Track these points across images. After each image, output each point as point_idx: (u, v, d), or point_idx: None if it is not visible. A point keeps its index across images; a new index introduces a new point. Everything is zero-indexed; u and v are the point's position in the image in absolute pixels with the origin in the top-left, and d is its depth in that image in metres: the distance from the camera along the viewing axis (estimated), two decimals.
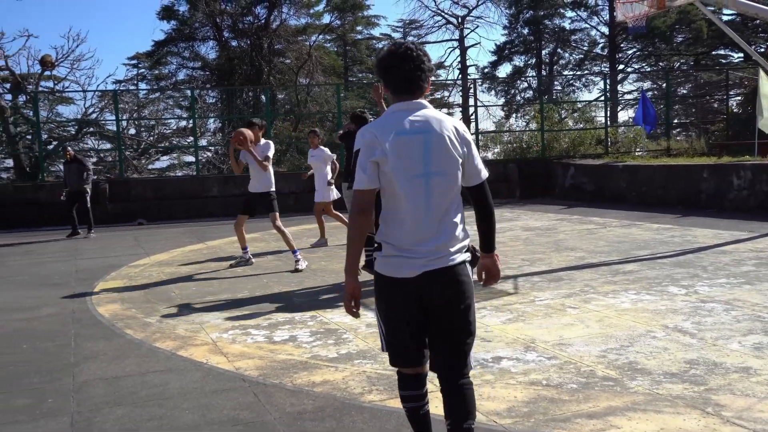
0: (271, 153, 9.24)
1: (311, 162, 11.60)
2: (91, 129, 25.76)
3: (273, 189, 9.31)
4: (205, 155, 24.57)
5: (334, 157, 11.62)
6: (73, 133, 25.50)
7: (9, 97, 23.96)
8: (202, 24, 32.07)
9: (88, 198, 14.30)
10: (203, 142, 25.61)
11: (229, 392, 4.53)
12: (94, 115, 25.45)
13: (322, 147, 11.53)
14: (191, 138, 21.50)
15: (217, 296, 7.68)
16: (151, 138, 26.64)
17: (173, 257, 10.84)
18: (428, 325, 3.04)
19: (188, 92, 28.56)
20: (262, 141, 9.29)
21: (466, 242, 3.06)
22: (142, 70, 35.32)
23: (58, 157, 23.59)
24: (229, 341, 5.77)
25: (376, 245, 3.07)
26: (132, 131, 25.96)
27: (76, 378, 4.99)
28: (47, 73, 26.29)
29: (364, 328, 5.93)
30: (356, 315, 3.08)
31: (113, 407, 4.35)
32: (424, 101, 3.05)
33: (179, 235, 13.83)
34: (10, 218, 16.13)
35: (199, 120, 24.37)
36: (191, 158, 23.30)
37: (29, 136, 23.18)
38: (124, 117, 24.11)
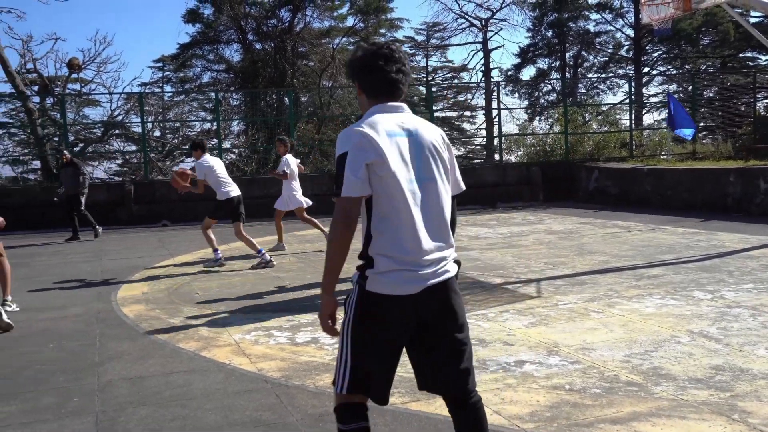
0: (210, 172, 9.65)
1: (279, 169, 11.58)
2: (117, 131, 26.05)
3: (219, 199, 9.74)
4: (229, 157, 24.74)
5: (285, 167, 11.24)
6: (99, 135, 25.80)
7: (37, 99, 24.29)
8: (227, 27, 32.30)
9: (83, 200, 14.40)
10: (227, 144, 25.81)
11: (251, 393, 4.55)
12: (119, 117, 25.74)
13: (288, 155, 11.42)
14: (215, 140, 21.64)
15: (240, 297, 7.72)
16: (176, 140, 26.88)
17: (197, 258, 10.91)
18: (423, 345, 2.79)
19: (212, 95, 28.74)
20: (202, 157, 9.74)
21: (455, 253, 2.88)
22: (168, 73, 35.69)
23: (84, 158, 23.86)
24: (251, 342, 5.79)
25: (363, 261, 2.75)
26: (157, 133, 26.25)
27: (100, 378, 5.04)
28: (74, 75, 26.66)
29: None
30: (336, 333, 2.79)
31: (137, 407, 4.39)
32: (405, 105, 2.83)
33: (203, 237, 13.89)
34: (37, 219, 16.35)
35: (223, 122, 24.54)
36: None
37: (56, 138, 23.46)
38: (150, 119, 24.36)
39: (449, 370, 2.81)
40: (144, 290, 8.42)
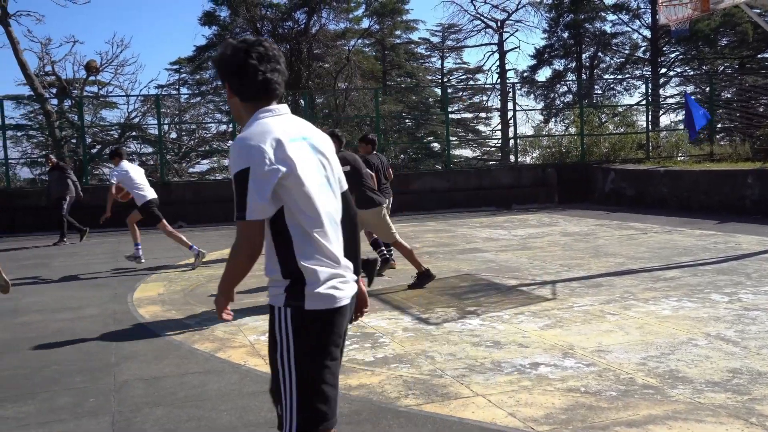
0: (126, 177, 10.27)
1: None
2: (134, 133, 26.24)
3: (137, 204, 10.35)
4: None
5: None
6: (116, 136, 25.99)
7: (55, 101, 24.51)
8: (243, 29, 32.43)
9: (65, 205, 14.48)
10: None
11: (266, 394, 4.51)
12: (136, 119, 25.92)
13: None
14: (230, 142, 21.73)
15: (255, 298, 7.74)
16: (192, 142, 27.04)
17: (212, 259, 10.95)
18: None
19: None
20: (120, 164, 10.38)
21: None
22: (184, 75, 35.93)
23: (101, 160, 24.05)
24: (266, 343, 5.79)
25: (289, 280, 2.47)
26: (173, 135, 26.40)
27: (116, 378, 5.07)
28: (92, 78, 26.87)
29: (400, 332, 5.93)
30: (228, 316, 2.71)
31: (153, 407, 4.41)
32: (286, 106, 2.59)
33: (218, 238, 13.98)
34: (55, 220, 16.46)
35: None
36: None
37: (74, 140, 23.67)
38: (166, 121, 24.51)
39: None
40: (160, 291, 8.47)
